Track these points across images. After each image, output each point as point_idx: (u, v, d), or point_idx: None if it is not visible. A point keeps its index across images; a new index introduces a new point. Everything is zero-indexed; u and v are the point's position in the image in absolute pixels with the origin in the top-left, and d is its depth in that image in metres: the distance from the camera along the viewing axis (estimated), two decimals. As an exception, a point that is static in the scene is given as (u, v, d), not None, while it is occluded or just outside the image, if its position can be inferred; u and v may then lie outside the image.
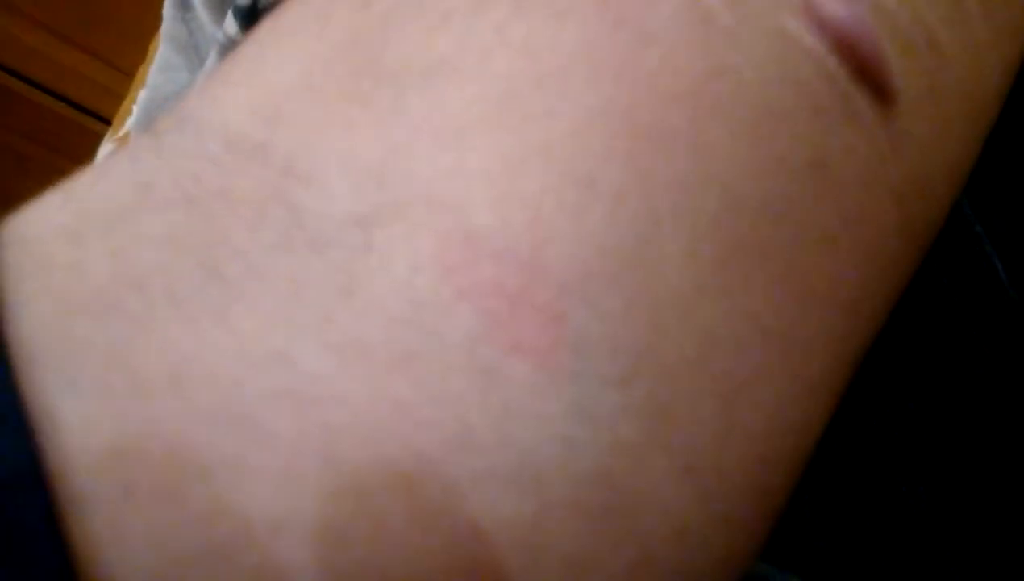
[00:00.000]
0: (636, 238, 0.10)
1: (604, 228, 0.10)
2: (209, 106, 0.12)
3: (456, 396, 0.09)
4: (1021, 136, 0.20)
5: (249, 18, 0.30)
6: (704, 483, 0.10)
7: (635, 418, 0.10)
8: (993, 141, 0.15)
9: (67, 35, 1.19)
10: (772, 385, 0.11)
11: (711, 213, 0.11)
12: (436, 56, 0.11)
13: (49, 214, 0.10)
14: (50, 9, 1.16)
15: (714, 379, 0.10)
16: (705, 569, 0.10)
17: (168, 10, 0.40)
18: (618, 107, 0.11)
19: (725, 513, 0.10)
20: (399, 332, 0.09)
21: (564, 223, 0.10)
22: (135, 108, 0.45)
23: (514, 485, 0.09)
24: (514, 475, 0.09)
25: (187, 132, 0.11)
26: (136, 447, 0.09)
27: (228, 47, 0.31)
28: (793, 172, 0.11)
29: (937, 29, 0.13)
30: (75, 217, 0.10)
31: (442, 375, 0.09)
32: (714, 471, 0.10)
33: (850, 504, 0.21)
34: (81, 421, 0.09)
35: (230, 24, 0.31)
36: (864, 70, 0.12)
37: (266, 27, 0.13)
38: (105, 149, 0.60)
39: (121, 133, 0.58)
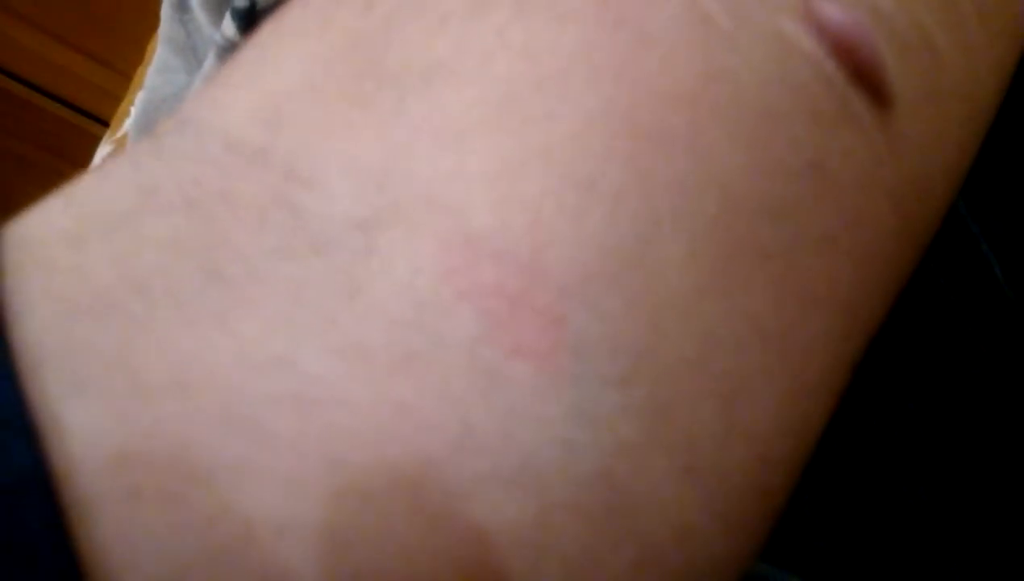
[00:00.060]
0: (636, 240, 0.10)
1: (604, 230, 0.10)
2: (210, 109, 0.12)
3: (458, 398, 0.09)
4: (1017, 137, 0.20)
5: (247, 20, 0.30)
6: (704, 483, 0.10)
7: (635, 419, 0.10)
8: (989, 142, 0.15)
9: (64, 37, 1.19)
10: (771, 386, 0.11)
11: (710, 215, 0.11)
12: (436, 59, 0.11)
13: (51, 218, 0.10)
14: (47, 11, 1.16)
15: (714, 380, 0.10)
16: (706, 569, 0.10)
17: (166, 12, 0.40)
18: (618, 109, 0.11)
19: (725, 513, 0.10)
20: (401, 334, 0.09)
21: (564, 225, 0.10)
22: (133, 110, 0.45)
23: (516, 486, 0.09)
24: (516, 476, 0.09)
25: (188, 135, 0.11)
26: (140, 450, 0.09)
27: (226, 49, 0.31)
28: (791, 174, 0.11)
29: (934, 32, 0.13)
30: (77, 221, 0.10)
31: (444, 377, 0.09)
32: (714, 471, 0.10)
33: (850, 504, 0.21)
34: (85, 425, 0.09)
35: (228, 26, 0.31)
36: (862, 73, 0.12)
37: (267, 30, 0.13)
38: (103, 150, 0.60)
39: (119, 135, 0.58)
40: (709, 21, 0.11)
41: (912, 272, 0.14)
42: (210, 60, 0.33)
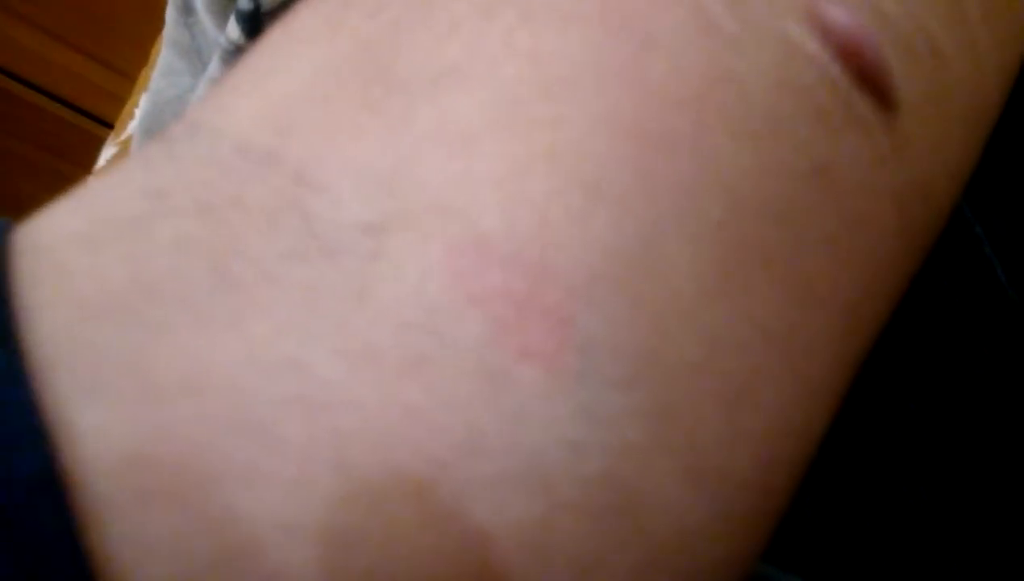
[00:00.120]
0: (641, 242, 0.10)
1: (610, 232, 0.10)
2: (220, 113, 0.12)
3: (466, 401, 0.09)
4: (1020, 139, 0.20)
5: (252, 23, 0.30)
6: (708, 484, 0.10)
7: (640, 420, 0.10)
8: (993, 144, 0.15)
9: (69, 39, 1.19)
10: (775, 387, 0.11)
11: (715, 217, 0.11)
12: (445, 63, 0.11)
13: (63, 221, 0.11)
14: (52, 13, 1.16)
15: (718, 381, 0.10)
16: (709, 569, 0.10)
17: (170, 14, 0.40)
18: (623, 113, 0.11)
19: (729, 514, 0.11)
20: (410, 337, 0.10)
21: (570, 227, 0.10)
22: (137, 112, 0.45)
23: (523, 488, 0.09)
24: (523, 478, 0.09)
25: (199, 139, 0.11)
26: (151, 453, 0.09)
27: (231, 52, 0.31)
28: (796, 177, 0.11)
29: (938, 35, 0.13)
30: (89, 224, 0.10)
31: (452, 380, 0.09)
32: (718, 472, 0.10)
33: (851, 505, 0.21)
34: (97, 428, 0.09)
35: (232, 29, 0.31)
36: (866, 76, 0.12)
37: (275, 34, 0.13)
38: (107, 152, 0.60)
39: (123, 137, 0.58)
40: (714, 25, 0.11)
41: (915, 274, 0.14)
42: (214, 63, 0.33)
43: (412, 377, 0.09)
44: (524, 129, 0.11)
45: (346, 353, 0.09)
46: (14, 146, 1.20)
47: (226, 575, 0.08)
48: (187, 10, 0.39)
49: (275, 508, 0.09)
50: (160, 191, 0.11)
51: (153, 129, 0.41)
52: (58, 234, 0.10)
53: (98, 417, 0.09)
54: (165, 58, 0.41)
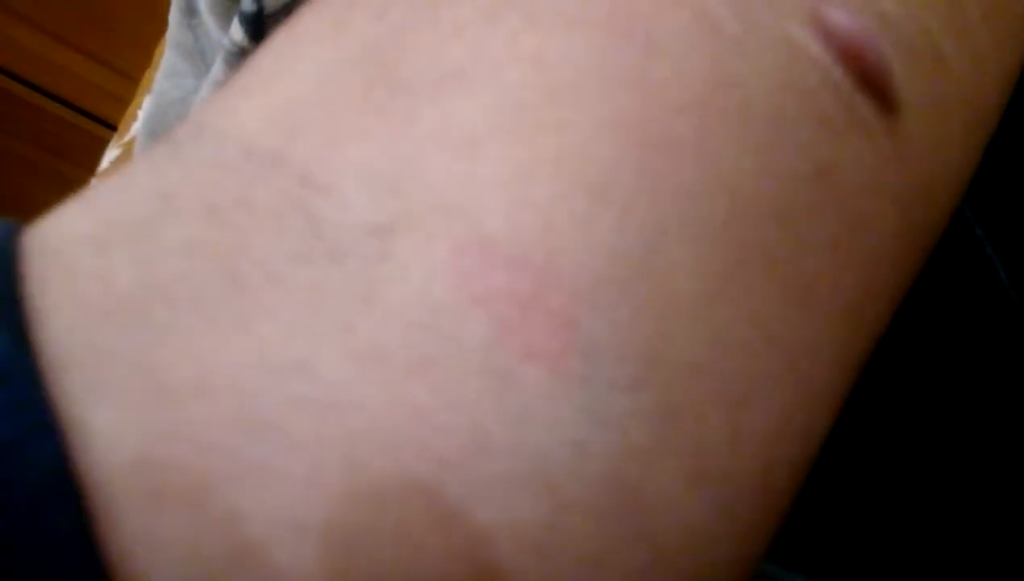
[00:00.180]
0: (645, 245, 0.10)
1: (614, 235, 0.10)
2: (226, 115, 0.12)
3: (472, 401, 0.09)
4: (1020, 140, 0.20)
5: (255, 25, 0.30)
6: (712, 486, 0.10)
7: (645, 422, 0.10)
8: (993, 145, 0.15)
9: (73, 41, 1.19)
10: (778, 389, 0.11)
11: (718, 221, 0.11)
12: (450, 66, 0.11)
13: (72, 224, 0.11)
14: (55, 15, 1.16)
15: (722, 384, 0.10)
16: (713, 570, 0.11)
17: (174, 16, 0.40)
18: (628, 117, 0.11)
19: (733, 515, 0.11)
20: (416, 338, 0.10)
21: (575, 231, 0.10)
22: (141, 113, 0.45)
23: (528, 488, 0.09)
24: (528, 478, 0.09)
25: (205, 141, 0.11)
26: (164, 453, 0.09)
27: (234, 54, 0.31)
28: (799, 179, 0.11)
29: (940, 38, 0.13)
30: (98, 226, 0.10)
31: (458, 380, 0.09)
32: (722, 474, 0.10)
33: (854, 504, 0.21)
34: (110, 428, 0.09)
35: (236, 31, 0.31)
36: (869, 79, 0.12)
37: (281, 36, 0.13)
38: (110, 154, 0.60)
39: (127, 138, 0.58)
40: (718, 29, 0.11)
41: (917, 275, 0.14)
42: (218, 65, 0.33)
43: (419, 377, 0.09)
44: (528, 133, 0.11)
45: (353, 354, 0.09)
46: (14, 146, 1.20)
47: (237, 573, 0.09)
48: (190, 12, 0.39)
49: (285, 507, 0.09)
50: (167, 193, 0.11)
51: (156, 131, 0.41)
52: (67, 236, 0.10)
53: (109, 417, 0.09)
54: (168, 60, 0.41)
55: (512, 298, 0.10)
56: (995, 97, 0.15)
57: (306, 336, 0.09)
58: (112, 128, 1.23)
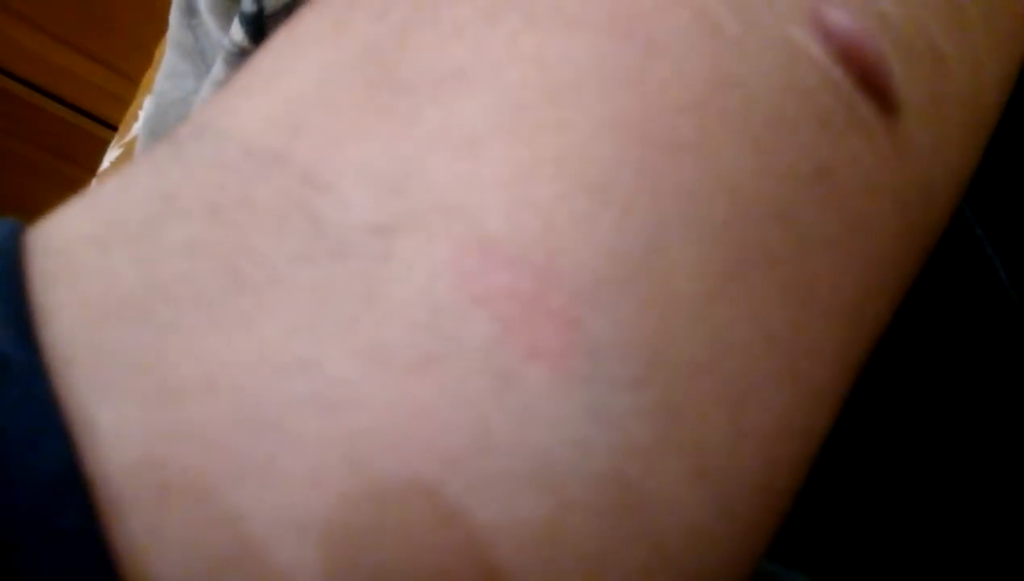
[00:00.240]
0: (645, 245, 0.10)
1: (614, 235, 0.10)
2: (228, 115, 0.12)
3: (474, 400, 0.09)
4: (1020, 140, 0.20)
5: (255, 25, 0.30)
6: (713, 484, 0.10)
7: (647, 420, 0.10)
8: (993, 145, 0.15)
9: (64, 37, 1.19)
10: (778, 388, 0.11)
11: (719, 220, 0.11)
12: (450, 66, 0.11)
13: (75, 223, 0.11)
14: (55, 15, 1.16)
15: (723, 383, 0.11)
16: (714, 568, 0.11)
17: (174, 17, 0.40)
18: (628, 117, 0.11)
19: (734, 513, 0.11)
20: (419, 337, 0.10)
21: (576, 230, 0.10)
22: (141, 114, 0.45)
23: (531, 486, 0.09)
24: (531, 476, 0.09)
25: (207, 141, 0.11)
26: (168, 452, 0.09)
27: (234, 54, 0.31)
28: (799, 179, 0.11)
29: (940, 39, 0.13)
30: (102, 226, 0.10)
31: (461, 379, 0.09)
32: (723, 472, 0.10)
33: (855, 503, 0.21)
34: (115, 426, 0.09)
35: (236, 31, 0.31)
36: (868, 79, 0.12)
37: (282, 36, 0.13)
38: (112, 154, 0.60)
39: (128, 139, 0.59)
40: (718, 29, 0.11)
41: (917, 275, 0.14)
42: (218, 65, 0.33)
43: (421, 376, 0.09)
44: (529, 133, 0.11)
45: (357, 353, 0.09)
46: (14, 146, 1.20)
47: (239, 571, 0.09)
48: (191, 12, 0.39)
49: (287, 506, 0.09)
50: (169, 193, 0.11)
51: (157, 131, 0.41)
52: (70, 236, 0.10)
53: (114, 416, 0.09)
54: (169, 60, 0.41)
55: (513, 298, 0.10)
56: (995, 97, 0.15)
57: (308, 335, 0.10)
58: (112, 128, 1.23)
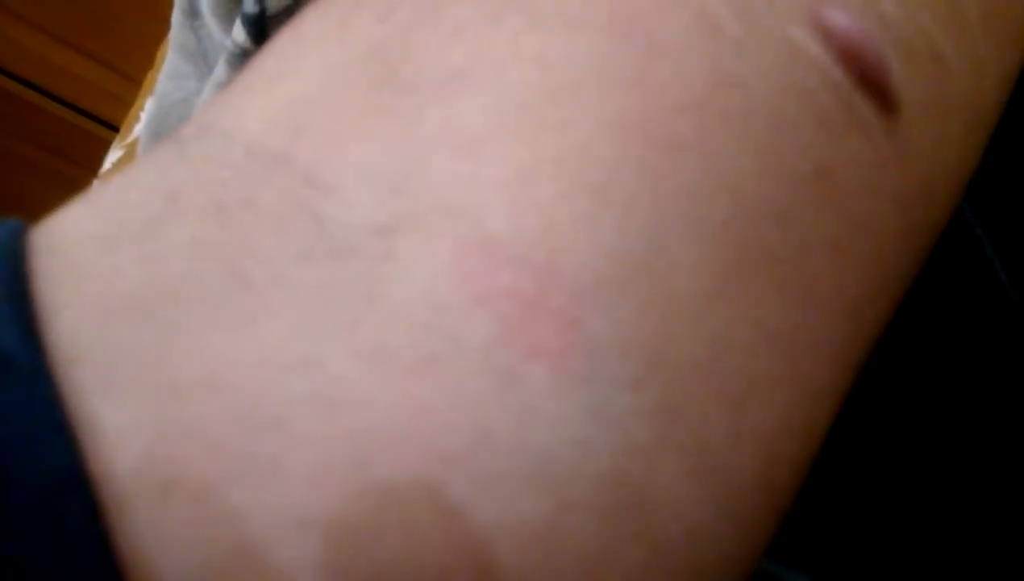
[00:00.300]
0: (647, 245, 0.10)
1: (615, 235, 0.10)
2: (231, 115, 0.12)
3: (476, 399, 0.09)
4: (1020, 140, 0.20)
5: (257, 26, 0.30)
6: (714, 483, 0.10)
7: (647, 420, 0.10)
8: (993, 145, 0.15)
9: (64, 38, 1.19)
10: (778, 388, 0.11)
11: (719, 220, 0.11)
12: (453, 67, 0.11)
13: (78, 223, 0.11)
14: (55, 15, 1.16)
15: (723, 382, 0.11)
16: (714, 567, 0.11)
17: (176, 18, 0.40)
18: (629, 117, 0.11)
19: (734, 512, 0.11)
20: (421, 337, 0.10)
21: (577, 230, 0.10)
22: (143, 115, 0.45)
23: (532, 485, 0.09)
24: (532, 476, 0.09)
25: (211, 141, 0.11)
26: (171, 450, 0.09)
27: (237, 55, 0.31)
28: (799, 179, 0.11)
29: (940, 40, 0.13)
30: (106, 225, 0.11)
31: (462, 379, 0.10)
32: (723, 472, 0.10)
33: (855, 502, 0.21)
34: (119, 425, 0.09)
35: (238, 32, 0.31)
36: (868, 79, 0.12)
37: (285, 37, 0.13)
38: (113, 155, 0.60)
39: (129, 140, 0.59)
40: (718, 29, 0.11)
41: (916, 275, 0.14)
42: (220, 67, 0.33)
43: (423, 376, 0.09)
44: (530, 133, 0.11)
45: (358, 352, 0.10)
46: (14, 146, 1.20)
47: (242, 567, 0.09)
48: (193, 13, 0.39)
49: (291, 503, 0.09)
50: (172, 193, 0.11)
51: (159, 132, 0.41)
52: (74, 235, 0.10)
53: (118, 415, 0.09)
54: (171, 61, 0.41)
55: (514, 298, 0.10)
56: (994, 97, 0.15)
57: (311, 335, 0.10)
58: (111, 128, 1.23)
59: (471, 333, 0.10)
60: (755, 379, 0.11)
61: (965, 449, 0.20)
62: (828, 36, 0.12)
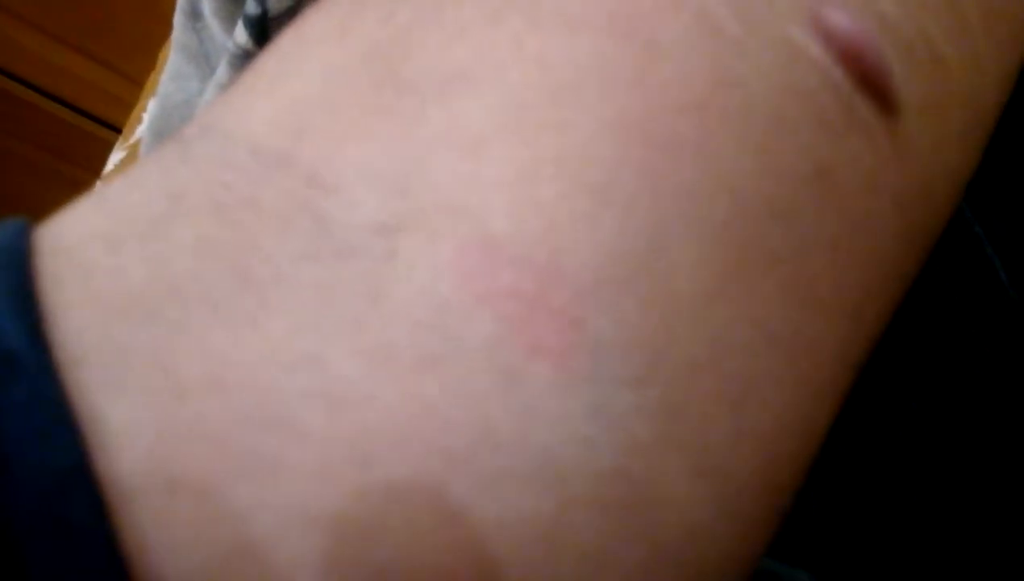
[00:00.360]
0: (646, 245, 0.10)
1: (617, 235, 0.10)
2: (234, 116, 0.12)
3: (479, 397, 0.10)
4: (1020, 139, 0.20)
5: (259, 28, 0.30)
6: (715, 482, 0.10)
7: (649, 418, 0.10)
8: (993, 144, 0.15)
9: (74, 42, 1.19)
10: (779, 387, 0.11)
11: (720, 220, 0.11)
12: (454, 67, 0.11)
13: (83, 222, 0.11)
14: (56, 16, 1.16)
15: (724, 382, 0.11)
16: (715, 565, 0.11)
17: (179, 19, 0.40)
18: (630, 118, 0.11)
19: (735, 511, 0.11)
20: (423, 336, 0.10)
21: (578, 230, 0.10)
22: (145, 116, 0.45)
23: (534, 483, 0.09)
24: (535, 473, 0.09)
25: (214, 141, 0.11)
26: (178, 448, 0.09)
27: (239, 56, 0.31)
28: (799, 179, 0.11)
29: (939, 40, 0.13)
30: (110, 225, 0.11)
31: (465, 378, 0.10)
32: (724, 470, 0.11)
33: (855, 502, 0.21)
34: (126, 422, 0.09)
35: (240, 33, 0.31)
36: (868, 80, 0.12)
37: (287, 37, 0.13)
38: (116, 156, 0.60)
39: (132, 141, 0.59)
40: (719, 30, 0.11)
41: (916, 274, 0.14)
42: (222, 68, 0.33)
43: (425, 375, 0.10)
44: (531, 133, 0.11)
45: (361, 352, 0.10)
46: (14, 147, 1.20)
47: (246, 564, 0.09)
48: (195, 15, 0.39)
49: (293, 501, 0.09)
50: (176, 193, 0.11)
51: (162, 133, 0.41)
52: (79, 235, 0.11)
53: (124, 413, 0.09)
54: (173, 62, 0.41)
55: (516, 297, 0.10)
56: (994, 97, 0.15)
57: (314, 334, 0.10)
58: (112, 129, 1.23)
59: (473, 332, 0.10)
60: (755, 379, 0.11)
61: (965, 449, 0.20)
62: (828, 36, 0.12)
